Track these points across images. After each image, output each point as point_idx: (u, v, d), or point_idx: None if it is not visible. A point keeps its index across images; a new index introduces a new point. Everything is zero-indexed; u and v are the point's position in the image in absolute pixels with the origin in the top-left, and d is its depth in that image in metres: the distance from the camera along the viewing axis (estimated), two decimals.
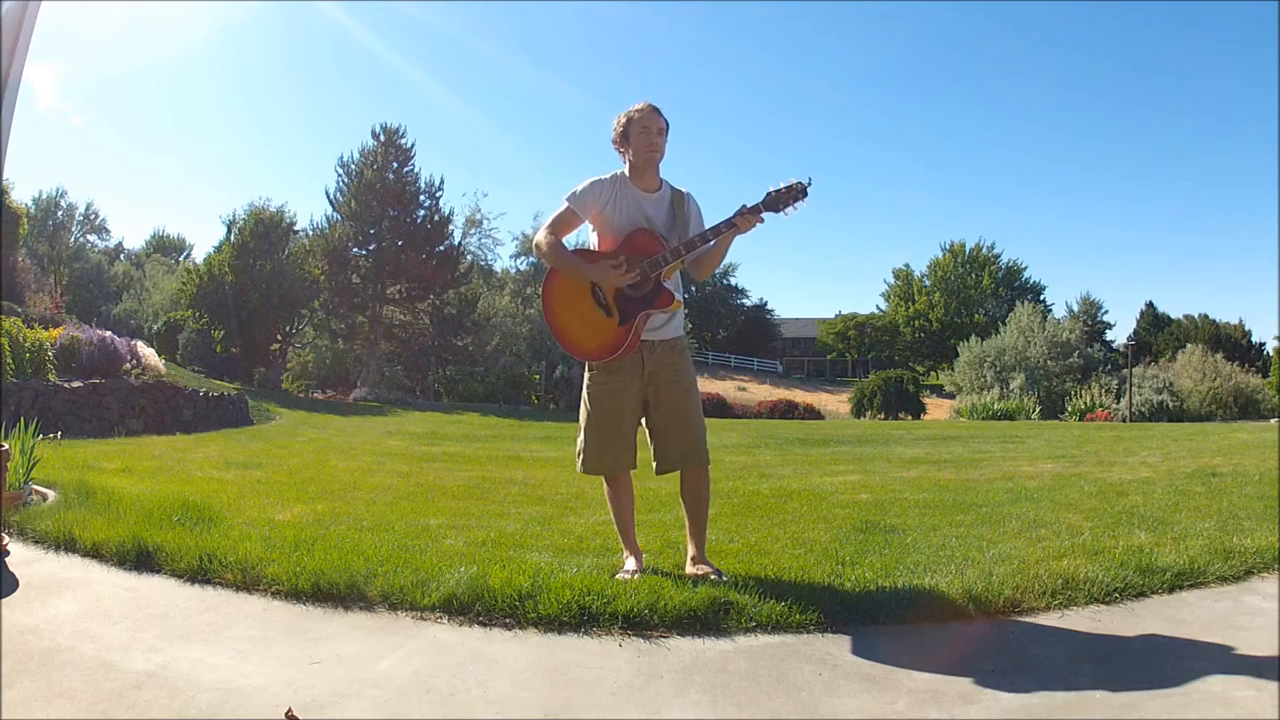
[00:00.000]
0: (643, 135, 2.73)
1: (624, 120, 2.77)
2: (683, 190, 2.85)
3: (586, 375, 2.85)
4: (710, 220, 2.76)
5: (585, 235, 3.02)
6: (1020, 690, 1.92)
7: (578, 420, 2.92)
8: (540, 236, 2.76)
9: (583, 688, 1.95)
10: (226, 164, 74.83)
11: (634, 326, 2.69)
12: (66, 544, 3.17)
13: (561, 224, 2.77)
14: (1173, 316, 44.92)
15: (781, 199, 2.62)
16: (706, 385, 34.55)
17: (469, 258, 30.67)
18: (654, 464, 2.85)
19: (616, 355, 2.71)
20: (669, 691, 1.93)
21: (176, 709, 1.82)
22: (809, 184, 2.62)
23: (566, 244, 2.79)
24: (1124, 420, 23.14)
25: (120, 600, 2.60)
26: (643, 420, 2.85)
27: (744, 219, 2.64)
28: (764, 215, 2.64)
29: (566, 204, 2.76)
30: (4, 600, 2.55)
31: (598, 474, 2.88)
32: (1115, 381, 28.37)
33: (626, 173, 2.80)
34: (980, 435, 12.79)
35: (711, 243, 2.73)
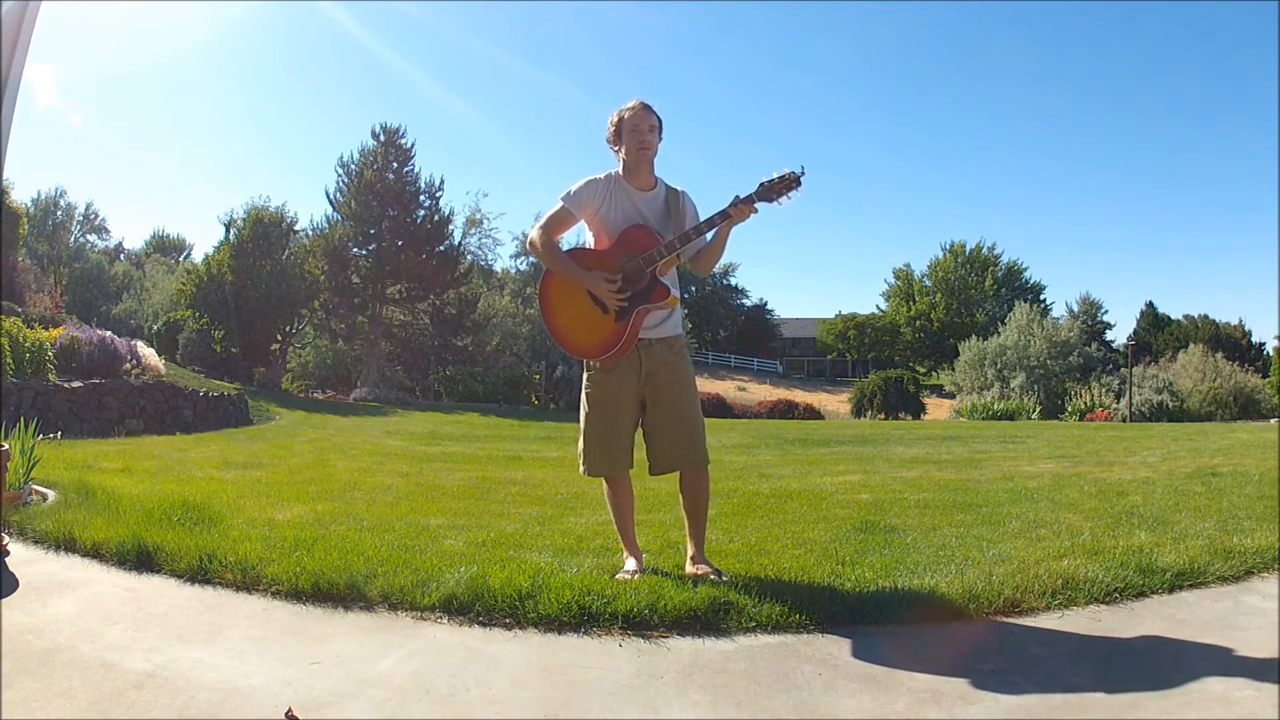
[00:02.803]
0: (634, 134, 2.72)
1: (616, 119, 2.76)
2: (677, 188, 2.85)
3: (585, 375, 2.84)
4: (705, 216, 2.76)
5: (581, 233, 3.02)
6: (1020, 690, 1.92)
7: (577, 421, 2.92)
8: (535, 235, 2.76)
9: (583, 688, 1.95)
10: (226, 164, 74.85)
11: (630, 323, 2.69)
12: (66, 544, 3.17)
13: (556, 223, 2.76)
14: (1173, 316, 44.90)
15: (774, 189, 2.62)
16: (706, 385, 34.57)
17: (469, 258, 30.68)
18: (648, 465, 2.83)
19: (613, 353, 2.70)
20: (669, 691, 1.93)
21: (176, 709, 1.82)
22: (802, 173, 2.61)
23: (563, 241, 2.80)
24: (1124, 420, 23.12)
25: (120, 600, 2.60)
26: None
27: (738, 209, 2.64)
28: (758, 205, 2.64)
29: (561, 203, 2.75)
30: (4, 600, 2.55)
31: (600, 475, 2.87)
32: (1115, 381, 28.36)
33: (621, 171, 2.79)
34: (980, 435, 12.78)
35: (708, 236, 2.72)
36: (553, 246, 2.75)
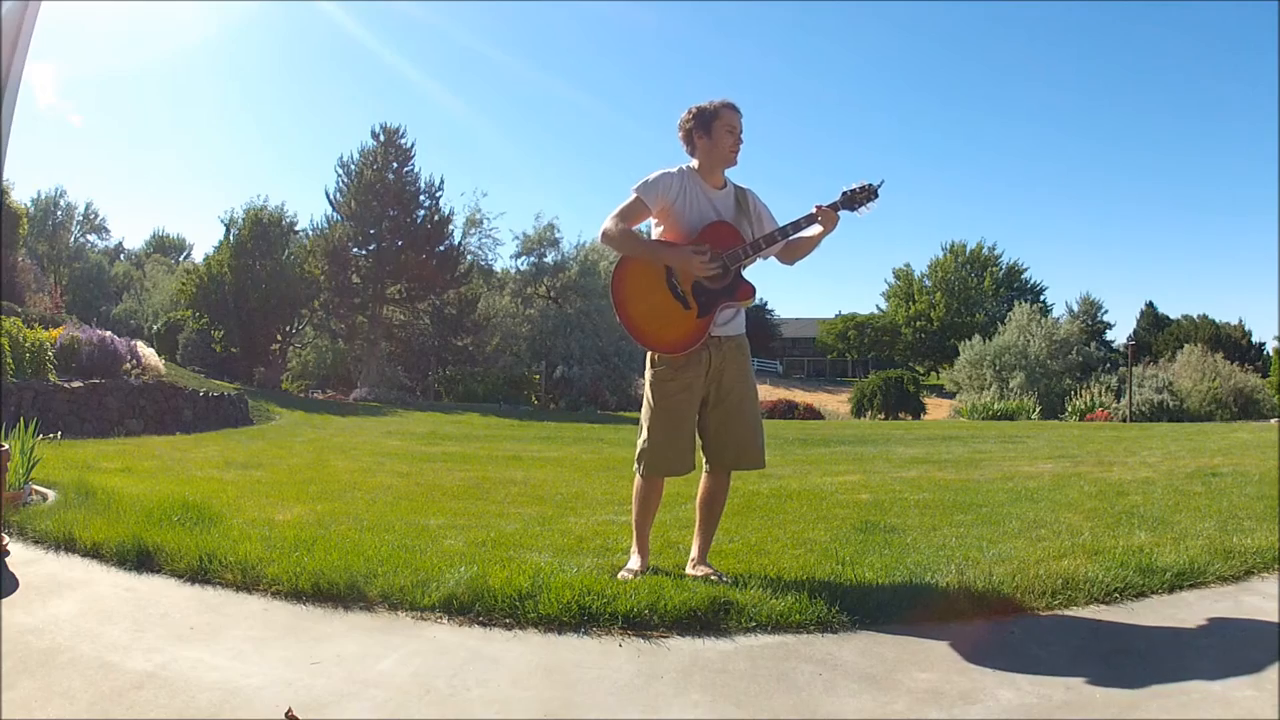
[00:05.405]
0: (730, 134, 2.72)
1: (703, 114, 2.72)
2: (744, 186, 2.85)
3: (650, 372, 2.76)
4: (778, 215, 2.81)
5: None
6: (1020, 690, 1.92)
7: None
8: (610, 225, 2.66)
9: (583, 688, 1.96)
10: (226, 164, 74.54)
11: (712, 318, 2.68)
12: (66, 544, 3.17)
13: (632, 214, 2.68)
14: (1172, 317, 44.91)
15: (856, 198, 2.67)
16: None
17: (469, 258, 30.63)
18: (707, 462, 2.81)
19: (695, 348, 2.67)
20: (669, 691, 1.93)
21: (176, 709, 1.82)
22: (880, 185, 2.69)
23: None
24: (1124, 420, 23.12)
25: (120, 600, 2.60)
26: None
27: (826, 216, 2.66)
28: (841, 213, 2.69)
29: (636, 194, 2.68)
30: (4, 600, 2.55)
31: (664, 475, 2.80)
32: (1115, 381, 28.35)
33: (696, 167, 2.76)
34: (980, 435, 12.78)
35: (791, 237, 2.73)
36: (631, 232, 2.68)
